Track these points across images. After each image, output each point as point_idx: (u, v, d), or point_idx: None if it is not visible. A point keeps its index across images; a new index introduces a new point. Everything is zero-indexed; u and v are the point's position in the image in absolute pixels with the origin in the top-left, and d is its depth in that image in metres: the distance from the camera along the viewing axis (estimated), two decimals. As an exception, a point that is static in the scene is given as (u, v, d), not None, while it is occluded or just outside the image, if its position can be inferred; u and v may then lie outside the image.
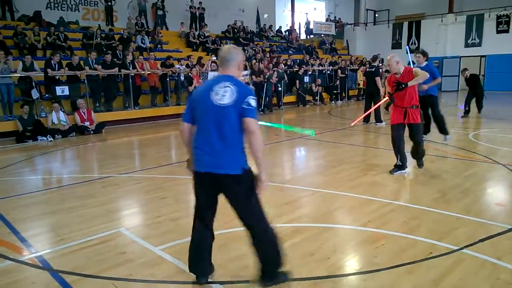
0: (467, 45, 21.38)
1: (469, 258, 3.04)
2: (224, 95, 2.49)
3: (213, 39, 16.98)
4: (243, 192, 2.53)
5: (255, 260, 2.66)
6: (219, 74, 2.64)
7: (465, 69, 11.21)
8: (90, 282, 2.79)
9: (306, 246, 3.28)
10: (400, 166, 5.49)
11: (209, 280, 2.76)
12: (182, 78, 13.00)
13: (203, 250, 2.72)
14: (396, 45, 23.88)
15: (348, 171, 5.70)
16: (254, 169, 2.54)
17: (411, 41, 23.58)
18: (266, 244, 2.63)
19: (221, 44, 17.08)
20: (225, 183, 2.53)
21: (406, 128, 5.38)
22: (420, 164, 5.64)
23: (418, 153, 5.54)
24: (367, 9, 26.63)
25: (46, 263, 3.09)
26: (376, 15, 27.42)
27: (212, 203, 2.69)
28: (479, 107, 11.13)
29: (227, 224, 3.81)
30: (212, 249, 2.78)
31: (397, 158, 5.50)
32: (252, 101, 2.48)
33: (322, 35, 23.50)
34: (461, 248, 3.17)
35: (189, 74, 11.94)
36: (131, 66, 11.59)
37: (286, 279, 2.71)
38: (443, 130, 7.35)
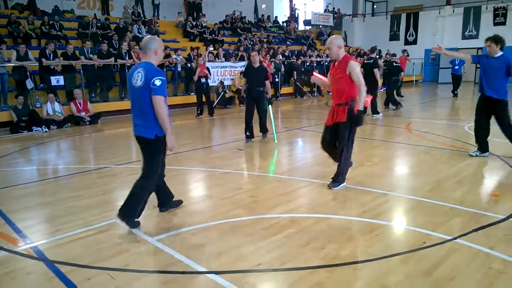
0: (464, 37, 21.37)
1: (462, 248, 3.07)
2: (137, 79, 3.27)
3: (211, 29, 16.83)
4: (152, 150, 3.41)
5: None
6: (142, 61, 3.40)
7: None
8: (85, 272, 2.79)
9: (301, 236, 3.30)
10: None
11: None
12: (179, 69, 12.91)
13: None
14: (394, 36, 23.87)
15: (344, 162, 5.71)
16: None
17: (408, 32, 23.53)
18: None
19: (219, 35, 16.98)
20: (144, 144, 3.43)
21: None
22: (333, 183, 4.47)
23: (338, 160, 4.49)
24: (365, 0, 26.50)
25: (41, 254, 3.09)
26: (375, 6, 27.32)
27: None
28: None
29: (224, 214, 3.83)
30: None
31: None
32: (157, 81, 3.20)
33: (320, 26, 23.37)
34: (455, 238, 3.20)
35: (196, 62, 11.73)
36: (127, 56, 11.50)
37: (133, 226, 3.48)
38: None
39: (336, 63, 4.36)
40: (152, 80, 3.19)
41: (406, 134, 7.91)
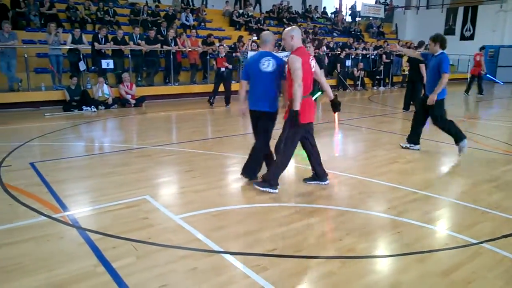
0: (527, 34, 19.75)
1: (488, 252, 2.94)
2: (267, 65, 4.08)
3: (257, 18, 16.85)
4: (272, 121, 4.26)
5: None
6: (261, 50, 4.26)
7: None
8: (112, 242, 3.01)
9: (321, 227, 3.32)
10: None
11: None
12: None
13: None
14: (449, 31, 22.53)
15: (378, 158, 5.60)
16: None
17: (465, 27, 22.12)
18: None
19: (264, 24, 16.98)
20: (263, 116, 4.20)
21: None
22: (259, 183, 4.16)
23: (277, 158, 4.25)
24: (420, -8, 25.19)
25: (75, 221, 3.36)
26: (430, -2, 25.87)
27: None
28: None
29: (249, 199, 3.92)
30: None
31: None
32: (285, 69, 4.03)
33: (370, 18, 22.58)
34: (481, 242, 3.06)
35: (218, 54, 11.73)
36: (173, 42, 11.85)
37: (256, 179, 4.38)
38: (456, 137, 5.69)
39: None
40: (283, 69, 4.04)
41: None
